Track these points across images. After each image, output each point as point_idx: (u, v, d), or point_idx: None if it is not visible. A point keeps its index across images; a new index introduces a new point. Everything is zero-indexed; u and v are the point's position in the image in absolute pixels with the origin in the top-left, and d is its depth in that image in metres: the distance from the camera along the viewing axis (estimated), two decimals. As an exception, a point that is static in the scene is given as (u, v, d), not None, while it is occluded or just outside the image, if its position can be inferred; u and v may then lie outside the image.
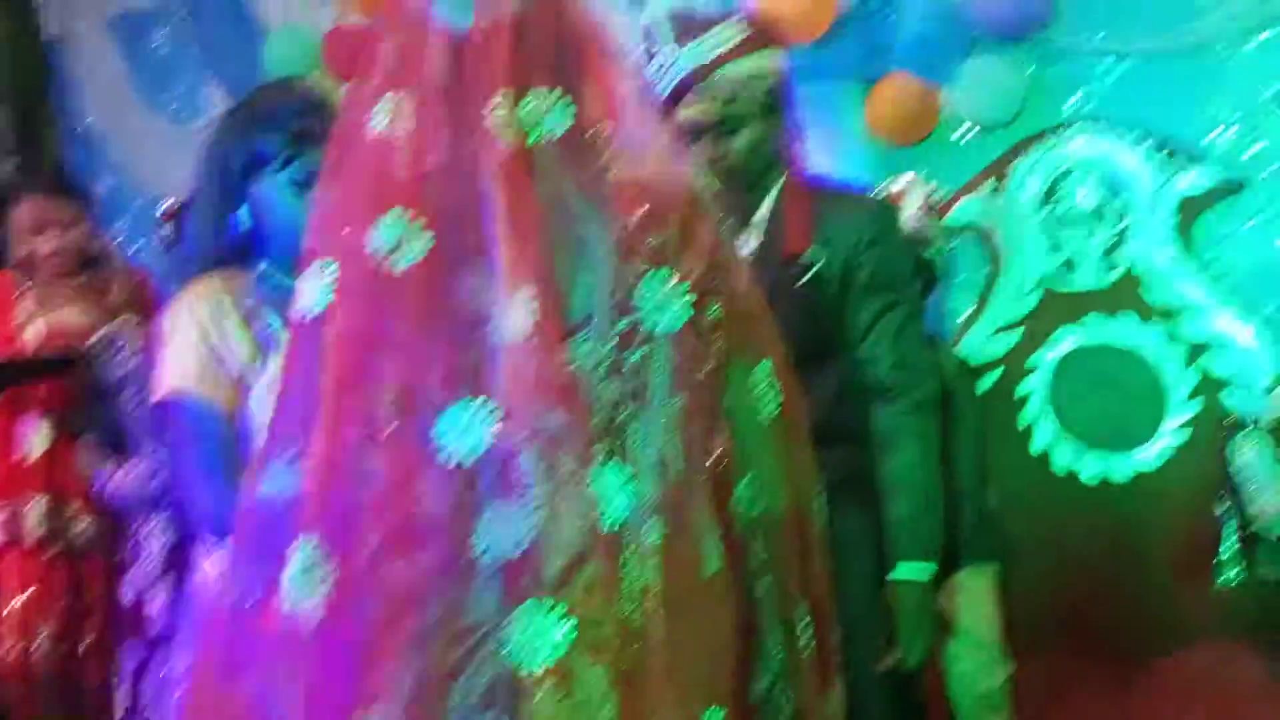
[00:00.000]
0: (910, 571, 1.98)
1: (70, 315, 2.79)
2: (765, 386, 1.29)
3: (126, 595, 2.49)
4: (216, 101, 3.62)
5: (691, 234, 1.21)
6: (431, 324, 1.14)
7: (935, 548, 2.01)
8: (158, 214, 2.87)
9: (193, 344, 1.63)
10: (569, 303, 1.17)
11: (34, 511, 2.71)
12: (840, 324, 2.02)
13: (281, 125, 1.67)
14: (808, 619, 1.29)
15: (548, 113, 1.17)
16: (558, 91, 1.18)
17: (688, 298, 1.19)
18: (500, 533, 1.09)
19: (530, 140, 1.16)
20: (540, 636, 1.08)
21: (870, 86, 3.17)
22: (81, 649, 2.73)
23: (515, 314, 1.11)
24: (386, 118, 1.17)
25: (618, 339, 1.17)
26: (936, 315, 3.17)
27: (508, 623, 1.09)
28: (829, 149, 3.21)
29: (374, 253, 1.14)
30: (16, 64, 3.98)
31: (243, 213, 1.68)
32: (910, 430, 2.00)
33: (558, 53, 1.20)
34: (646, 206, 1.19)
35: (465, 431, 1.10)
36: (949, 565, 2.61)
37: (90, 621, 2.72)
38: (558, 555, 1.09)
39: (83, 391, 2.54)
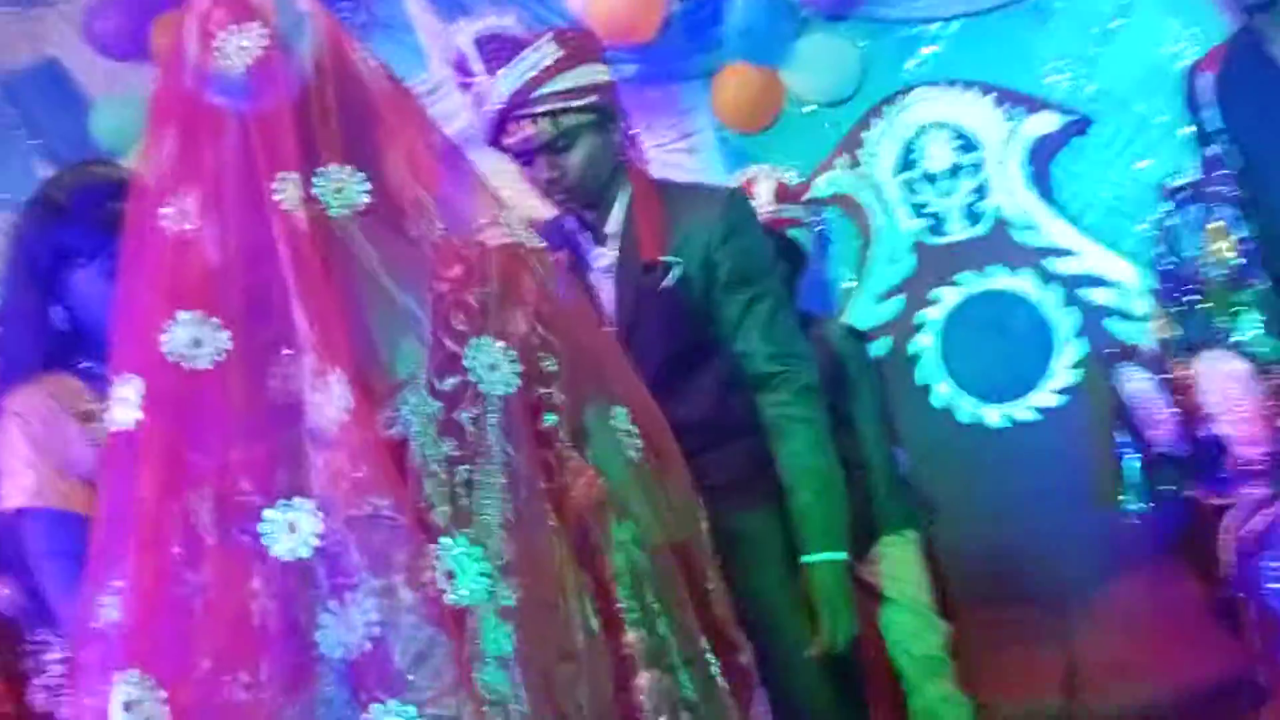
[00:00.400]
0: (822, 555, 1.97)
1: None
2: (624, 431, 1.26)
3: (37, 701, 2.39)
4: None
5: (514, 288, 1.18)
6: (244, 421, 1.10)
7: (842, 530, 2.01)
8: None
9: (26, 460, 1.53)
10: (392, 367, 1.14)
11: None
12: (712, 322, 2.00)
13: (85, 214, 1.56)
14: (711, 648, 1.27)
15: (341, 190, 1.14)
16: (349, 168, 1.14)
17: (517, 363, 1.16)
18: (341, 632, 1.05)
19: (329, 216, 1.13)
20: (389, 744, 1.03)
21: (711, 81, 3.18)
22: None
23: (328, 398, 1.08)
24: (173, 217, 1.13)
25: (447, 397, 1.14)
26: (818, 291, 3.19)
27: None
28: (685, 148, 3.22)
29: (172, 356, 1.10)
30: None
31: (58, 311, 1.58)
32: (797, 417, 1.99)
33: (349, 127, 1.16)
34: (462, 267, 1.17)
35: (293, 527, 1.06)
36: (869, 535, 2.62)
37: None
38: (406, 646, 1.06)
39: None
